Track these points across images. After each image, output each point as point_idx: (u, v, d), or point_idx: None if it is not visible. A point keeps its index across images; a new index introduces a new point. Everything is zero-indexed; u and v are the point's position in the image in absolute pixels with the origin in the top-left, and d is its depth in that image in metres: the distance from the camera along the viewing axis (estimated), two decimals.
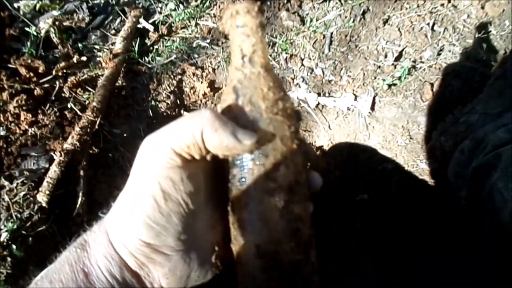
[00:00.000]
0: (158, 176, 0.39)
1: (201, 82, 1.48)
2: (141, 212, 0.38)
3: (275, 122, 0.44)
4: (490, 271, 0.96)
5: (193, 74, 1.51)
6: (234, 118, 0.43)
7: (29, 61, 1.45)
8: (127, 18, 1.62)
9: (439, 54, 1.36)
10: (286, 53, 1.50)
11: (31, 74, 1.43)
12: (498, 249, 0.89)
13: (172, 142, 0.39)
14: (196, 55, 1.56)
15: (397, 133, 1.31)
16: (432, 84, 1.31)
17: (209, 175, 0.45)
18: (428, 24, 1.41)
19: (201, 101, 1.50)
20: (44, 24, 1.56)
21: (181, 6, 1.64)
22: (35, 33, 1.54)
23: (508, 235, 0.84)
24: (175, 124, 0.40)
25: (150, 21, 1.62)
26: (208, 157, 0.43)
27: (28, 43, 1.52)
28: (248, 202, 0.43)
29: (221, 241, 0.47)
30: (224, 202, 0.46)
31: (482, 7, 1.38)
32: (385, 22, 1.46)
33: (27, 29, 1.55)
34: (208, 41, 1.56)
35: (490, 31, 1.35)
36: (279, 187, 0.43)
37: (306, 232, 0.44)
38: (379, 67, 1.40)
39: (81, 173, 1.25)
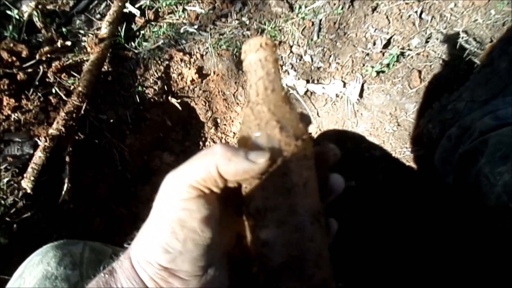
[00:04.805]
0: (176, 207, 0.41)
1: (189, 68, 1.46)
2: (159, 238, 0.41)
3: (294, 163, 0.43)
4: (476, 254, 0.98)
5: (181, 60, 1.49)
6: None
7: (12, 45, 1.41)
8: (112, 2, 1.58)
9: (427, 42, 1.37)
10: (274, 40, 1.49)
11: (14, 58, 1.38)
12: (484, 233, 0.91)
13: (188, 178, 0.41)
14: (183, 41, 1.53)
15: (385, 120, 1.32)
16: (420, 72, 1.32)
17: (223, 200, 0.46)
18: (416, 12, 1.41)
19: (188, 87, 1.48)
20: (27, 7, 1.52)
21: None
22: (17, 17, 1.50)
23: (493, 219, 0.85)
24: (191, 161, 0.43)
25: (136, 5, 1.59)
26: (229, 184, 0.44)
27: (10, 27, 1.48)
28: (266, 227, 0.43)
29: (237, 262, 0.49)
30: (239, 222, 0.47)
31: None
32: (374, 9, 1.46)
33: (9, 12, 1.50)
34: (196, 27, 1.54)
35: (477, 19, 1.36)
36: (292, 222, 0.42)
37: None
38: (367, 54, 1.40)
39: (67, 159, 1.23)
